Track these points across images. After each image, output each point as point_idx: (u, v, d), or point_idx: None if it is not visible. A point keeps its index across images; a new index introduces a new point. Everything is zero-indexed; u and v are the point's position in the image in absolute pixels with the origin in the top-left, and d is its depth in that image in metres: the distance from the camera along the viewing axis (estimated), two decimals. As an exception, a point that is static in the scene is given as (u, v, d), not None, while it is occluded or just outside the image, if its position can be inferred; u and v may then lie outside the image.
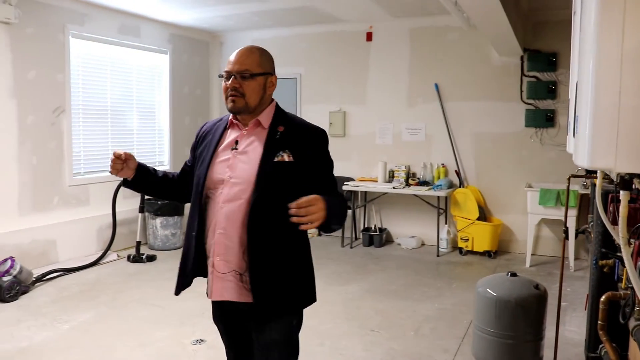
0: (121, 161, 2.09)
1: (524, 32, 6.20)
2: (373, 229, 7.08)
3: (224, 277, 1.98)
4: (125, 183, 2.20)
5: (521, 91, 6.45)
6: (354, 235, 7.12)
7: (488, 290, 3.22)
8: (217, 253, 1.98)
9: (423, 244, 6.95)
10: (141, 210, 6.37)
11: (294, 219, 1.76)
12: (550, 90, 6.29)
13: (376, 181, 6.94)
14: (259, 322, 2.03)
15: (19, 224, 5.44)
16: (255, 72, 1.98)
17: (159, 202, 6.41)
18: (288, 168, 1.95)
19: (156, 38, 7.11)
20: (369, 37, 7.17)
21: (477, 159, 6.73)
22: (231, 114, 2.08)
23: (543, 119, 6.34)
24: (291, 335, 2.12)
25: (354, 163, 7.34)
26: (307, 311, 4.66)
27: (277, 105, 2.11)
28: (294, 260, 2.03)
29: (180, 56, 7.52)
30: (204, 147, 2.12)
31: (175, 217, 6.57)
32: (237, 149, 2.02)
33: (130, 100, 6.86)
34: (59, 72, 5.83)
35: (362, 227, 7.27)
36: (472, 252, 6.43)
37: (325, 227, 1.89)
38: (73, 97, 6.03)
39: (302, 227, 1.79)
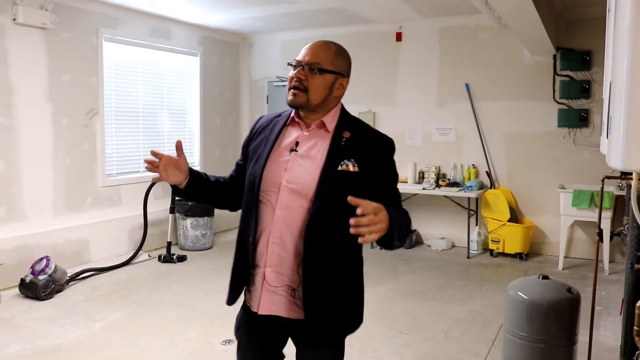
0: (159, 163, 1.87)
1: (556, 30, 6.08)
2: (402, 230, 7.01)
3: (275, 291, 1.81)
4: (177, 191, 1.97)
5: (554, 90, 6.33)
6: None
7: (519, 293, 3.16)
8: (270, 264, 1.81)
9: (453, 246, 6.87)
10: (172, 210, 6.46)
11: (353, 230, 1.52)
12: (583, 89, 6.16)
13: (406, 182, 6.89)
14: (308, 341, 1.89)
15: (54, 224, 5.57)
16: (325, 68, 1.81)
17: (190, 203, 6.47)
18: (352, 179, 1.78)
19: (187, 40, 7.20)
20: (399, 37, 7.12)
21: (509, 160, 6.62)
22: (293, 111, 1.90)
23: (576, 119, 6.21)
24: (340, 357, 1.96)
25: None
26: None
27: (343, 108, 1.93)
28: (349, 278, 1.89)
29: (210, 58, 7.59)
30: (259, 143, 1.93)
31: (206, 217, 6.63)
32: (297, 150, 1.83)
33: (161, 102, 6.96)
34: (92, 75, 5.95)
35: (391, 229, 7.21)
36: (503, 254, 6.34)
37: (387, 242, 1.68)
38: (106, 99, 6.14)
39: (362, 240, 1.55)
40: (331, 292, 1.82)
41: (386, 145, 1.89)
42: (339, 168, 1.78)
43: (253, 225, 1.84)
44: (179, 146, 1.92)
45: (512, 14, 4.74)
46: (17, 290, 4.91)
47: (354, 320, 1.94)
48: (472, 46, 6.71)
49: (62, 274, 5.05)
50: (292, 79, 1.81)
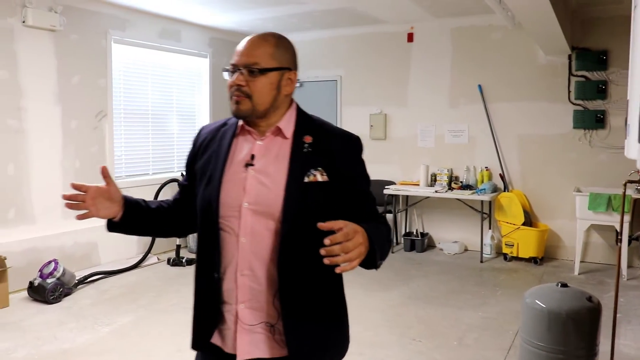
0: (85, 197, 1.58)
1: (572, 29, 5.96)
2: (415, 233, 6.93)
3: (252, 330, 1.57)
4: (111, 226, 1.67)
5: (569, 91, 6.20)
6: (395, 240, 7.00)
7: (537, 301, 3.07)
8: (242, 300, 1.56)
9: (466, 250, 6.76)
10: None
11: (328, 260, 1.31)
12: (600, 90, 6.03)
13: (418, 185, 6.80)
14: None
15: (63, 227, 5.53)
16: (266, 66, 1.53)
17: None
18: (322, 190, 1.55)
19: (196, 42, 7.15)
20: (410, 37, 7.03)
21: (523, 162, 6.51)
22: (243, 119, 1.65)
23: (592, 120, 6.09)
24: None
25: (395, 166, 7.21)
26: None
27: (298, 107, 1.66)
28: (331, 300, 1.67)
29: (220, 59, 7.54)
30: (207, 160, 1.65)
31: (215, 220, 6.57)
32: (253, 164, 1.57)
33: (170, 104, 6.92)
34: (102, 77, 5.91)
35: (403, 232, 7.13)
36: (517, 259, 6.22)
37: (369, 263, 1.45)
38: (115, 101, 6.11)
39: (339, 270, 1.35)
40: (315, 320, 1.60)
41: (354, 145, 1.64)
42: (306, 179, 1.54)
43: (216, 258, 1.58)
44: (105, 173, 1.62)
45: (526, 13, 4.64)
46: (26, 293, 4.87)
47: (342, 344, 1.72)
48: (485, 46, 6.60)
49: (71, 277, 5.01)
50: (231, 86, 1.55)
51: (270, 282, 1.55)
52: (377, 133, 7.28)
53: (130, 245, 6.21)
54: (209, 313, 1.62)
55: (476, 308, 4.70)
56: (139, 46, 6.41)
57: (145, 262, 6.04)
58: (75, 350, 3.83)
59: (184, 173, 1.79)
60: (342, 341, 1.72)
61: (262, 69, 1.53)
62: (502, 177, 6.51)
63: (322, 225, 1.33)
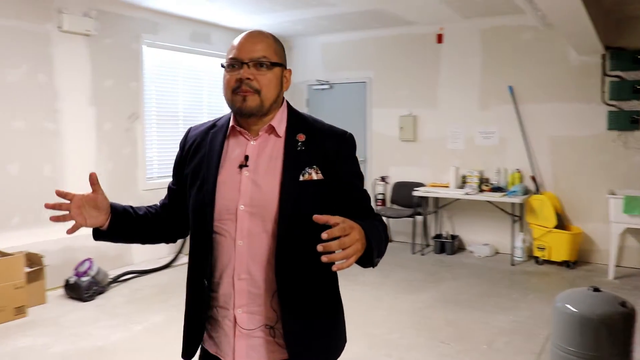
0: (70, 205, 1.52)
1: (605, 29, 5.84)
2: (445, 235, 6.89)
3: (250, 334, 1.54)
4: (98, 234, 1.61)
5: (602, 92, 6.08)
6: (425, 242, 6.96)
7: (568, 305, 3.02)
8: (239, 304, 1.53)
9: (497, 252, 6.69)
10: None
11: (325, 257, 1.27)
12: (635, 90, 5.89)
13: (448, 187, 6.75)
14: None
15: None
16: (273, 60, 1.53)
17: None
18: (318, 188, 1.53)
19: (226, 44, 7.17)
20: (440, 39, 6.99)
21: (555, 164, 6.40)
22: (231, 118, 1.62)
23: (627, 121, 5.95)
24: None
25: (424, 168, 7.17)
26: (375, 319, 4.57)
27: (289, 105, 1.65)
28: (328, 299, 1.65)
29: (250, 62, 7.59)
30: (198, 163, 1.61)
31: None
32: (247, 165, 1.54)
33: (200, 106, 7.01)
34: (134, 80, 6.03)
35: (433, 234, 7.09)
36: (549, 262, 6.12)
37: (367, 261, 1.42)
38: (146, 103, 6.22)
39: (336, 267, 1.29)
40: (313, 320, 1.58)
41: (347, 142, 1.61)
42: (301, 178, 1.51)
43: (212, 262, 1.56)
44: (93, 180, 1.55)
45: (557, 12, 4.57)
46: (62, 290, 5.01)
47: (340, 341, 1.70)
48: (515, 47, 6.52)
49: (104, 276, 5.12)
50: (236, 81, 1.51)
51: (268, 284, 1.52)
52: (407, 135, 7.26)
53: (161, 246, 6.31)
54: (198, 320, 1.61)
55: (506, 312, 4.65)
56: (170, 49, 6.51)
57: (177, 262, 6.13)
58: (109, 347, 3.92)
59: (172, 177, 1.74)
60: (339, 338, 1.71)
61: (271, 63, 1.53)
62: (533, 179, 6.42)
63: (318, 218, 1.30)
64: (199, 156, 1.62)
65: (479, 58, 6.75)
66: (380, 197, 7.38)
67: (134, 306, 4.78)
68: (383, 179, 7.43)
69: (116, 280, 5.35)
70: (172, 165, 1.73)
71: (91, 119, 5.62)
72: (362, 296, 5.07)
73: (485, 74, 6.72)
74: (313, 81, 7.98)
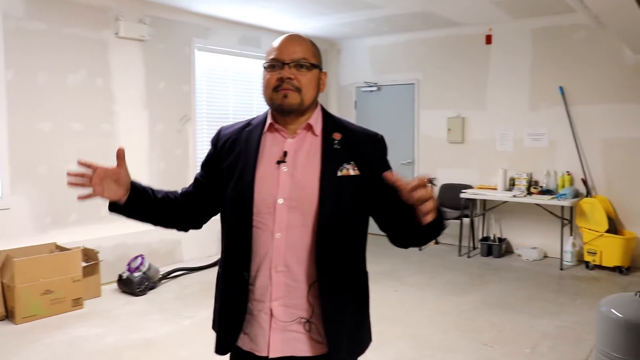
0: (92, 175, 1.58)
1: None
2: (492, 238, 6.80)
3: (286, 327, 1.57)
4: (114, 208, 1.65)
5: (659, 92, 5.89)
6: (472, 245, 6.89)
7: (613, 310, 2.98)
8: (276, 297, 1.56)
9: (545, 256, 6.55)
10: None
11: (417, 195, 1.34)
12: (694, 90, 5.68)
13: (496, 189, 6.67)
14: None
15: (149, 225, 5.86)
16: (312, 62, 1.60)
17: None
18: (355, 183, 1.58)
19: (275, 48, 7.36)
20: (489, 39, 6.91)
21: (607, 167, 6.22)
22: (269, 116, 1.66)
23: (685, 123, 5.74)
24: None
25: (472, 170, 7.10)
26: (418, 320, 4.58)
27: (323, 107, 1.71)
28: (361, 293, 1.70)
29: (298, 65, 7.71)
30: (234, 159, 1.65)
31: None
32: (285, 161, 1.59)
33: (250, 108, 7.16)
34: (185, 83, 6.24)
35: (480, 237, 7.02)
36: (600, 267, 5.96)
37: (438, 225, 1.46)
38: (197, 106, 6.42)
39: (426, 219, 1.37)
40: (350, 313, 1.62)
41: (380, 143, 1.68)
42: (339, 173, 1.57)
43: (247, 256, 1.59)
44: (120, 154, 1.61)
45: (609, 12, 4.47)
46: (115, 285, 5.23)
47: (367, 339, 1.74)
48: (567, 47, 6.37)
49: (155, 272, 5.32)
50: (277, 80, 1.57)
51: (305, 277, 1.56)
52: (455, 136, 7.21)
53: (210, 244, 6.48)
54: (236, 314, 1.62)
55: (553, 316, 4.56)
56: (220, 53, 6.70)
57: (224, 260, 6.28)
58: (158, 339, 4.08)
59: (201, 170, 1.79)
60: (368, 333, 1.74)
61: (311, 64, 1.60)
62: (584, 182, 6.26)
63: (389, 176, 1.38)
64: (235, 153, 1.66)
65: (529, 58, 6.64)
66: (426, 199, 7.34)
67: (182, 301, 4.95)
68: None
69: (166, 276, 5.54)
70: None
71: (144, 121, 5.85)
72: (407, 297, 5.08)
73: (535, 75, 6.60)
74: (361, 83, 8.03)
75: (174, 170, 6.12)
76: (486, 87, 6.98)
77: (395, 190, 1.48)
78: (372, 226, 1.69)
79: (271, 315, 1.57)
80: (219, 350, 1.69)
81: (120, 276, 5.15)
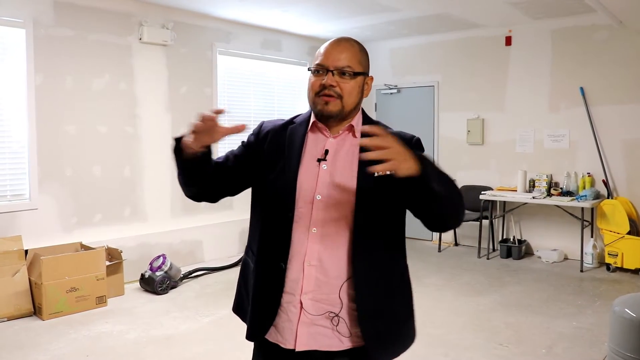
0: (210, 125, 1.54)
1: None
2: (512, 240, 6.78)
3: (314, 321, 1.59)
4: (179, 151, 1.60)
5: (682, 93, 5.81)
6: (491, 246, 6.87)
7: (627, 310, 2.97)
8: (306, 290, 1.58)
9: (566, 258, 6.51)
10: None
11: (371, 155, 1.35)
12: None
13: (515, 190, 6.65)
14: None
15: (171, 225, 6.01)
16: (357, 70, 1.62)
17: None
18: (392, 183, 1.53)
19: (296, 51, 7.47)
20: (508, 41, 6.90)
21: (629, 168, 6.16)
22: (313, 115, 1.70)
23: None
24: None
25: (492, 172, 7.09)
26: (435, 319, 4.61)
27: (363, 111, 1.75)
28: (400, 292, 1.71)
29: (318, 68, 7.79)
30: (275, 152, 1.69)
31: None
32: (326, 159, 1.63)
33: (272, 111, 7.26)
34: (207, 87, 6.37)
35: (500, 238, 7.00)
36: (621, 269, 5.90)
37: (423, 185, 1.41)
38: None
39: (377, 168, 1.35)
40: (387, 310, 1.64)
41: (416, 145, 1.69)
42: (376, 174, 1.49)
43: (284, 248, 1.61)
44: (237, 129, 1.57)
45: (627, 11, 4.45)
46: (137, 284, 5.37)
47: (410, 336, 1.74)
48: (587, 47, 6.33)
49: (177, 271, 5.44)
50: (320, 85, 1.60)
51: (337, 273, 1.58)
52: (474, 138, 7.21)
53: (231, 245, 6.61)
54: (270, 303, 1.63)
55: (570, 317, 4.55)
56: (242, 56, 6.82)
57: (245, 260, 6.38)
58: (178, 336, 4.19)
59: (238, 149, 1.78)
60: (410, 333, 1.74)
61: (355, 72, 1.61)
62: (605, 183, 6.20)
63: (365, 129, 1.40)
64: (277, 147, 1.69)
65: (549, 59, 6.61)
66: (446, 200, 7.34)
67: (203, 300, 5.05)
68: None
69: (188, 276, 5.66)
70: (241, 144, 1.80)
71: (167, 124, 6.00)
72: (424, 297, 5.11)
73: (555, 76, 6.57)
74: (381, 86, 8.07)
75: (196, 172, 6.24)
76: (506, 89, 6.97)
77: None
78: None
79: (301, 308, 1.59)
80: (250, 336, 1.71)
81: (142, 275, 5.29)
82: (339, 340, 1.59)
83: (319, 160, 1.63)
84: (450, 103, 7.45)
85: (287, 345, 1.60)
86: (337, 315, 1.58)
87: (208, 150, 1.61)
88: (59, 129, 5.14)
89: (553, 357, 3.79)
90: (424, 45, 7.63)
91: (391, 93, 8.02)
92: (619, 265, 5.86)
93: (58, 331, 4.26)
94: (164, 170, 5.93)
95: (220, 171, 1.73)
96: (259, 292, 1.67)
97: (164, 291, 5.19)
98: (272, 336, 1.65)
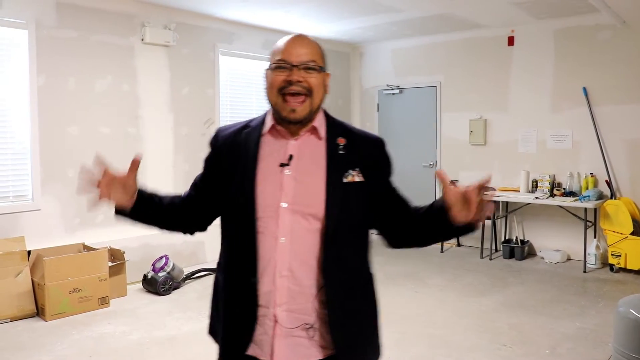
0: (102, 179, 1.57)
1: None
2: (514, 240, 6.77)
3: (290, 333, 1.53)
4: (118, 212, 1.64)
5: (686, 93, 5.79)
6: (494, 247, 6.86)
7: (632, 311, 2.97)
8: (280, 302, 1.52)
9: (569, 259, 6.49)
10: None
11: (489, 195, 1.41)
12: None
13: (518, 191, 6.64)
14: None
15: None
16: (320, 64, 1.56)
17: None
18: (361, 190, 1.57)
19: (298, 52, 7.45)
20: (511, 41, 6.89)
21: (632, 168, 6.14)
22: (271, 117, 1.61)
23: None
24: None
25: (495, 172, 7.07)
26: (437, 320, 4.60)
27: (325, 110, 1.65)
28: (368, 300, 1.67)
29: (320, 68, 7.79)
30: (233, 161, 1.60)
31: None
32: (288, 164, 1.54)
33: (273, 112, 7.25)
34: (209, 87, 6.37)
35: (502, 239, 6.99)
36: (625, 270, 5.88)
37: (459, 231, 1.52)
38: (221, 109, 6.54)
39: (482, 217, 1.43)
40: (358, 319, 1.61)
41: (383, 147, 1.67)
42: (345, 180, 1.54)
43: (253, 261, 1.54)
44: (135, 165, 1.59)
45: (633, 12, 4.43)
46: (140, 284, 5.37)
47: (379, 344, 1.70)
48: (591, 47, 6.32)
49: (179, 272, 5.44)
50: (284, 81, 1.52)
51: (310, 282, 1.52)
52: (477, 139, 7.20)
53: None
54: (246, 318, 1.56)
55: (573, 318, 4.54)
56: (244, 57, 6.82)
57: (247, 261, 6.38)
58: (181, 337, 4.18)
59: (202, 172, 1.75)
60: (378, 340, 1.70)
61: (320, 67, 1.56)
62: (608, 183, 6.19)
63: (441, 174, 1.49)
64: (234, 155, 1.61)
65: (552, 59, 6.60)
66: (449, 201, 7.32)
67: (205, 301, 5.03)
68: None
69: (190, 276, 5.66)
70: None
71: (169, 124, 6.00)
72: (426, 298, 5.11)
73: (558, 76, 6.56)
74: (383, 86, 8.07)
75: (198, 172, 6.22)
76: (508, 89, 6.96)
77: (398, 197, 1.64)
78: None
79: (275, 321, 1.53)
80: (226, 356, 1.64)
81: (145, 276, 5.29)
82: (317, 350, 1.55)
83: (281, 165, 1.55)
84: (452, 103, 7.44)
85: (265, 357, 1.56)
86: (312, 327, 1.54)
87: (138, 199, 1.60)
88: (62, 130, 5.14)
89: (557, 357, 3.78)
90: (426, 46, 7.62)
91: (393, 93, 8.01)
92: (622, 265, 5.84)
93: (61, 332, 4.26)
94: (167, 170, 5.93)
95: (192, 202, 1.72)
96: (232, 309, 1.60)
97: (166, 292, 5.19)
98: (250, 349, 1.58)
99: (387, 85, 8.02)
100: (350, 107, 8.42)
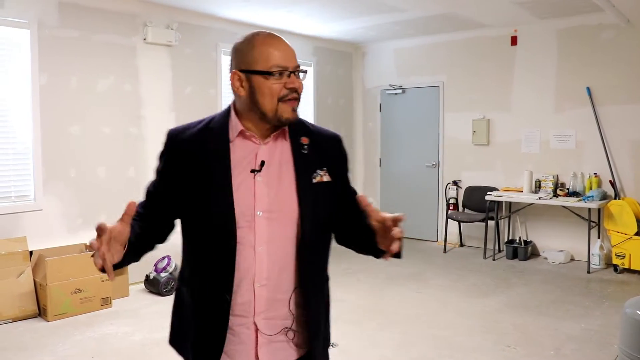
0: (102, 241, 1.30)
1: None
2: (518, 241, 6.74)
3: (272, 339, 1.51)
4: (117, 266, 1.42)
5: (690, 92, 5.77)
6: (497, 247, 6.84)
7: (638, 312, 2.94)
8: (259, 311, 1.49)
9: (572, 259, 6.47)
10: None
11: (396, 235, 1.35)
12: None
13: (521, 191, 6.61)
14: None
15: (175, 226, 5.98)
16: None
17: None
18: (329, 189, 1.55)
19: (301, 51, 7.44)
20: (514, 41, 6.87)
21: (636, 168, 6.11)
22: (235, 120, 1.54)
23: None
24: None
25: (498, 172, 7.06)
26: (441, 321, 4.59)
27: None
28: (328, 296, 1.69)
29: (323, 67, 7.79)
30: (199, 168, 1.49)
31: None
32: (259, 170, 1.48)
33: (275, 112, 7.24)
34: (212, 87, 6.35)
35: (506, 239, 6.96)
36: (629, 271, 5.85)
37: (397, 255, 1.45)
38: (224, 109, 6.50)
39: (392, 250, 1.37)
40: (323, 315, 1.64)
41: (341, 143, 1.65)
42: (314, 181, 1.52)
43: (229, 276, 1.47)
44: (131, 210, 1.34)
45: (637, 11, 4.41)
46: (142, 285, 5.35)
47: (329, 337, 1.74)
48: (594, 47, 6.29)
49: (182, 272, 5.41)
50: (287, 89, 1.46)
51: (286, 287, 1.51)
52: (480, 139, 7.18)
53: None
54: (216, 330, 1.50)
55: (578, 319, 4.51)
56: (246, 57, 6.78)
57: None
58: (183, 338, 4.16)
59: (157, 181, 1.61)
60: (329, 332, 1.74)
61: (305, 71, 1.52)
62: (612, 184, 6.16)
63: (363, 199, 1.40)
64: (198, 162, 1.50)
65: (555, 59, 6.57)
66: (452, 201, 7.32)
67: (208, 301, 5.03)
68: (455, 183, 7.37)
69: (193, 276, 5.63)
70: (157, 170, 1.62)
71: (171, 124, 5.93)
72: (430, 299, 5.08)
73: (561, 76, 6.54)
74: (386, 86, 8.05)
75: (201, 172, 6.23)
76: (511, 89, 6.94)
77: (352, 194, 1.60)
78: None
79: (256, 330, 1.50)
80: None
81: (147, 276, 5.27)
82: (295, 351, 1.56)
83: (252, 172, 1.48)
84: (455, 103, 7.42)
85: None
86: (290, 329, 1.53)
87: (127, 249, 1.41)
88: (64, 130, 5.12)
89: (561, 358, 3.76)
90: (428, 46, 7.60)
91: (396, 93, 7.99)
92: (626, 266, 5.82)
93: (63, 333, 4.25)
94: (169, 171, 5.91)
95: (155, 214, 1.58)
96: (203, 324, 1.53)
97: (168, 292, 5.17)
98: None
99: (390, 85, 7.99)
100: (353, 107, 8.40)
